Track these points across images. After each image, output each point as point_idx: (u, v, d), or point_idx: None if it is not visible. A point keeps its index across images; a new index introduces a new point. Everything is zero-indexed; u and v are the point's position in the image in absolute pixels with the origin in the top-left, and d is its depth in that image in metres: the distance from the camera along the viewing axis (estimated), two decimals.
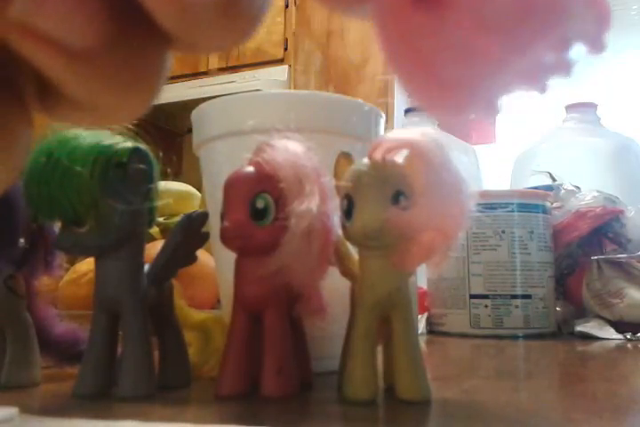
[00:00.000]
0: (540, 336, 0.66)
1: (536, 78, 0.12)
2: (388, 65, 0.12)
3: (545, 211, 0.70)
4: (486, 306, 0.66)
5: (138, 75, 0.10)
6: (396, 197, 0.28)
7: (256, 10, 0.10)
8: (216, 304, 0.66)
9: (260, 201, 0.30)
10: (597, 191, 0.75)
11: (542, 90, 0.12)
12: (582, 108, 1.05)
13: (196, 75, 2.43)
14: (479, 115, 0.13)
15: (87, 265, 0.65)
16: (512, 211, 0.67)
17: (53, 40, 0.09)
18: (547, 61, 0.11)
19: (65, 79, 0.09)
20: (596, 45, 0.11)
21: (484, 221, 0.67)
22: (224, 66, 2.41)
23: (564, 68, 0.12)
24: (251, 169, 0.30)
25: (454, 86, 0.11)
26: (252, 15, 0.10)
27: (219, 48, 0.11)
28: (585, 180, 0.84)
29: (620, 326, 0.64)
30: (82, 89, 0.10)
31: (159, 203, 0.33)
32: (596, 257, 0.69)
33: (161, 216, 0.75)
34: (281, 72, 2.28)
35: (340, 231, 0.30)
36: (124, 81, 0.10)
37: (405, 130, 0.30)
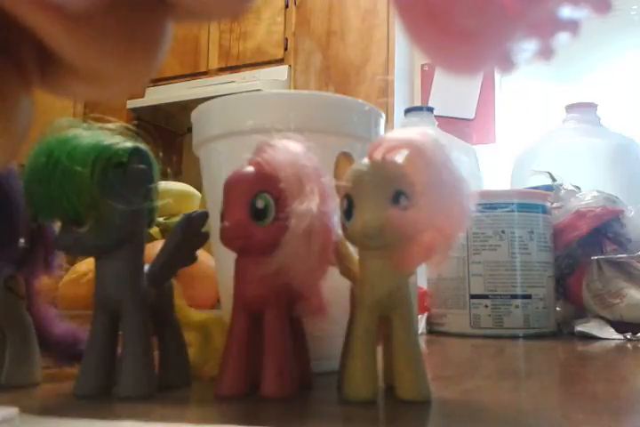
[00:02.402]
0: (540, 336, 0.66)
1: (548, 33, 0.11)
2: (400, 20, 0.12)
3: (545, 211, 0.70)
4: (486, 306, 0.66)
5: (137, 41, 0.10)
6: (397, 196, 0.28)
7: None
8: (216, 304, 0.66)
9: (260, 201, 0.30)
10: (597, 191, 0.75)
11: (549, 52, 0.12)
12: (582, 108, 1.05)
13: (195, 75, 2.43)
14: (494, 68, 0.12)
15: (87, 265, 0.65)
16: (512, 211, 0.67)
17: (50, 2, 0.09)
18: (559, 16, 0.11)
19: (62, 44, 0.09)
20: (602, 6, 0.11)
21: (484, 221, 0.67)
22: (224, 66, 2.41)
23: (574, 25, 0.11)
24: (251, 169, 0.30)
25: (470, 38, 0.11)
26: None
27: (220, 14, 0.10)
28: (585, 180, 0.84)
29: (619, 326, 0.64)
30: (79, 54, 0.10)
31: (159, 203, 0.33)
32: (596, 257, 0.69)
33: (161, 216, 0.75)
34: (281, 72, 2.28)
35: (340, 231, 0.30)
36: (123, 47, 0.10)
37: (405, 130, 0.30)
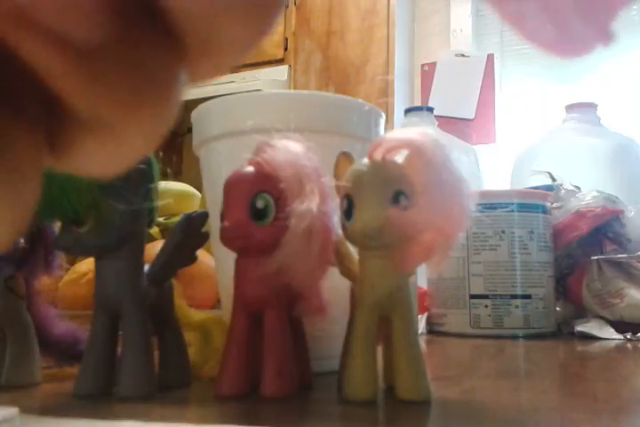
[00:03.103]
0: (540, 336, 0.66)
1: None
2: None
3: (545, 211, 0.70)
4: (486, 306, 0.66)
5: (146, 84, 0.09)
6: (397, 197, 0.28)
7: None
8: (216, 304, 0.66)
9: (260, 201, 0.30)
10: (597, 191, 0.75)
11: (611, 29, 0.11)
12: (582, 108, 1.05)
13: None
14: (592, 43, 0.11)
15: (87, 265, 0.65)
16: (512, 211, 0.67)
17: (53, 33, 0.08)
18: None
19: (66, 82, 0.09)
20: None
21: (484, 221, 0.67)
22: None
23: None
24: (251, 169, 0.30)
25: (561, 14, 0.10)
26: None
27: (241, 45, 0.09)
28: (585, 180, 0.84)
29: (619, 326, 0.64)
30: (83, 92, 0.09)
31: (159, 203, 0.33)
32: (596, 257, 0.69)
33: (161, 216, 0.75)
34: (281, 72, 2.28)
35: (340, 231, 0.30)
36: (130, 87, 0.09)
37: (405, 130, 0.30)
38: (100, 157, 0.10)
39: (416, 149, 0.28)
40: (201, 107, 0.42)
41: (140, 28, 0.09)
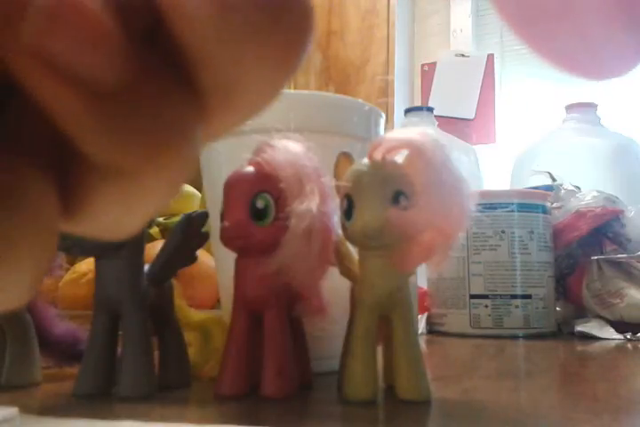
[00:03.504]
0: (540, 336, 0.66)
1: None
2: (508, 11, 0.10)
3: (545, 211, 0.70)
4: (486, 306, 0.66)
5: (162, 133, 0.09)
6: (396, 197, 0.28)
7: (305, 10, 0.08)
8: (216, 304, 0.66)
9: (260, 201, 0.30)
10: (597, 191, 0.75)
11: None
12: (582, 108, 1.05)
13: None
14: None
15: (87, 265, 0.65)
16: (512, 211, 0.67)
17: (70, 74, 0.08)
18: None
19: (80, 125, 0.08)
20: None
21: (484, 221, 0.67)
22: None
23: None
24: (251, 169, 0.30)
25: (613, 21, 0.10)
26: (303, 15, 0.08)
27: (270, 84, 0.09)
28: (585, 180, 0.84)
29: (619, 326, 0.64)
30: (98, 141, 0.08)
31: None
32: (596, 257, 0.69)
33: (161, 216, 0.75)
34: None
35: (340, 231, 0.30)
36: (145, 137, 0.09)
37: (405, 130, 0.30)
38: (117, 211, 0.10)
39: (416, 149, 0.28)
40: None
41: (160, 75, 0.09)
